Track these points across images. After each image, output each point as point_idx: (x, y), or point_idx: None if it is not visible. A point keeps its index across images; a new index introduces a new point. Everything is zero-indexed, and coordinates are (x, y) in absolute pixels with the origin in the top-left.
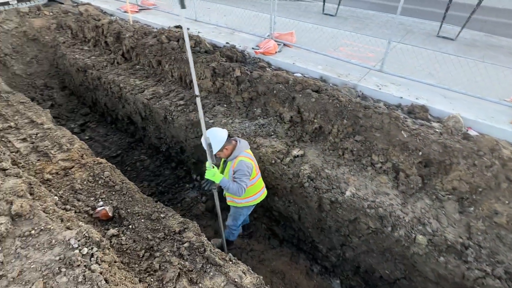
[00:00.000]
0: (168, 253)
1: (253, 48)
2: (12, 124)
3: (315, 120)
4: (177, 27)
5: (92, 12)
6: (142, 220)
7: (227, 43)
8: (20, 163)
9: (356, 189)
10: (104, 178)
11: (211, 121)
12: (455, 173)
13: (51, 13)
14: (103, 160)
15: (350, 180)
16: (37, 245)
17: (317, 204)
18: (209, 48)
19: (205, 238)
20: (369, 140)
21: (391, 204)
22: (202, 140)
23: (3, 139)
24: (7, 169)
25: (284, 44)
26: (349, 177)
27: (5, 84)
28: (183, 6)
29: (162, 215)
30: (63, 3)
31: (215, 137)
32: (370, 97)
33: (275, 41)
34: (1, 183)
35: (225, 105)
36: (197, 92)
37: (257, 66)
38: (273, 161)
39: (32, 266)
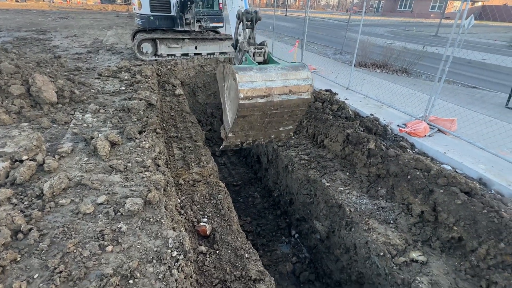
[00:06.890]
0: None
1: (398, 125)
2: (178, 135)
3: (455, 228)
4: (327, 90)
5: None
6: (229, 251)
7: (371, 114)
8: (170, 165)
9: None
10: (216, 199)
11: (327, 184)
12: None
13: None
14: (222, 185)
15: None
16: (149, 231)
17: None
18: (350, 115)
19: None
20: None
21: None
22: None
23: (169, 143)
24: (160, 166)
25: (439, 130)
26: None
27: (188, 106)
28: None
29: (246, 255)
30: None
31: None
32: None
33: (428, 124)
34: (152, 175)
35: (347, 173)
36: None
37: (396, 145)
38: (381, 253)
39: (138, 246)
